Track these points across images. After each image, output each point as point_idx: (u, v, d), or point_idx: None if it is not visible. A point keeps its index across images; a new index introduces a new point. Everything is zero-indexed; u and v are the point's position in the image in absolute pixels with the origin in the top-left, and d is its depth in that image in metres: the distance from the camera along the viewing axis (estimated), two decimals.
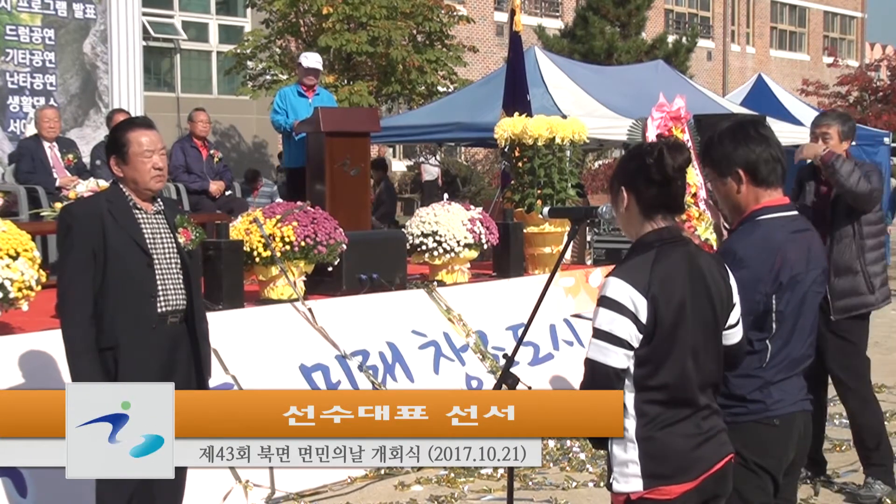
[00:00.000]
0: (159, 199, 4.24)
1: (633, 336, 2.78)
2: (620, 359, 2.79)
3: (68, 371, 4.04)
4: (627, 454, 2.83)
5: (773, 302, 3.20)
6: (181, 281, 4.20)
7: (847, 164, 5.28)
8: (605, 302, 2.81)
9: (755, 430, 3.21)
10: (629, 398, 2.82)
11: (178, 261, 4.21)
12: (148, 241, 4.11)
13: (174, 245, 4.21)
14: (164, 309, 4.12)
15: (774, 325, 3.22)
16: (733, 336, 3.03)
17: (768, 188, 3.29)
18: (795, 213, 3.38)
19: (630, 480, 2.83)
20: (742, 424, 3.15)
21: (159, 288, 4.10)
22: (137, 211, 4.13)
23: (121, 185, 4.16)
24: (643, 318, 2.77)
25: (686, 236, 2.95)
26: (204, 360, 4.30)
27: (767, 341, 3.22)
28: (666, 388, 2.81)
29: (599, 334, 2.80)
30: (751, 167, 3.27)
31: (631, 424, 2.82)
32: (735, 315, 3.01)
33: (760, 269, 3.19)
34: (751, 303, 3.14)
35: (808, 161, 5.55)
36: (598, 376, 2.80)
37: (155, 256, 4.11)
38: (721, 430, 2.95)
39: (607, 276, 2.88)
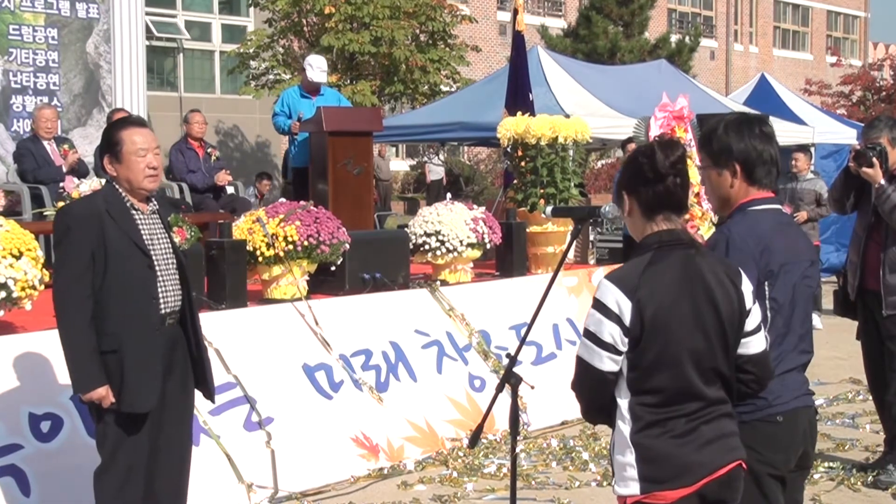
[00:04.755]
0: (153, 199, 4.19)
1: (619, 340, 2.80)
2: (606, 362, 2.82)
3: (69, 377, 4.00)
4: (626, 458, 2.85)
5: (766, 289, 3.19)
6: (178, 281, 4.17)
7: (893, 197, 5.54)
8: (595, 303, 2.85)
9: (761, 428, 3.17)
10: (623, 402, 2.85)
11: (175, 261, 4.18)
12: (146, 241, 4.06)
13: (170, 245, 4.17)
14: (164, 310, 4.09)
15: (770, 314, 3.19)
16: (754, 345, 2.96)
17: (760, 188, 3.30)
18: (780, 206, 3.39)
19: (629, 484, 2.85)
20: (748, 423, 3.12)
21: (160, 289, 4.07)
22: (135, 212, 4.08)
23: (115, 185, 4.10)
24: (627, 321, 2.78)
25: (690, 239, 2.94)
26: (206, 360, 4.29)
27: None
28: (661, 392, 2.81)
29: (587, 335, 2.86)
30: (749, 164, 3.26)
31: (626, 428, 2.84)
32: (752, 322, 2.95)
33: (750, 253, 3.18)
34: None
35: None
36: (589, 376, 2.85)
37: (154, 257, 4.07)
38: (729, 434, 2.91)
39: (603, 277, 2.91)
